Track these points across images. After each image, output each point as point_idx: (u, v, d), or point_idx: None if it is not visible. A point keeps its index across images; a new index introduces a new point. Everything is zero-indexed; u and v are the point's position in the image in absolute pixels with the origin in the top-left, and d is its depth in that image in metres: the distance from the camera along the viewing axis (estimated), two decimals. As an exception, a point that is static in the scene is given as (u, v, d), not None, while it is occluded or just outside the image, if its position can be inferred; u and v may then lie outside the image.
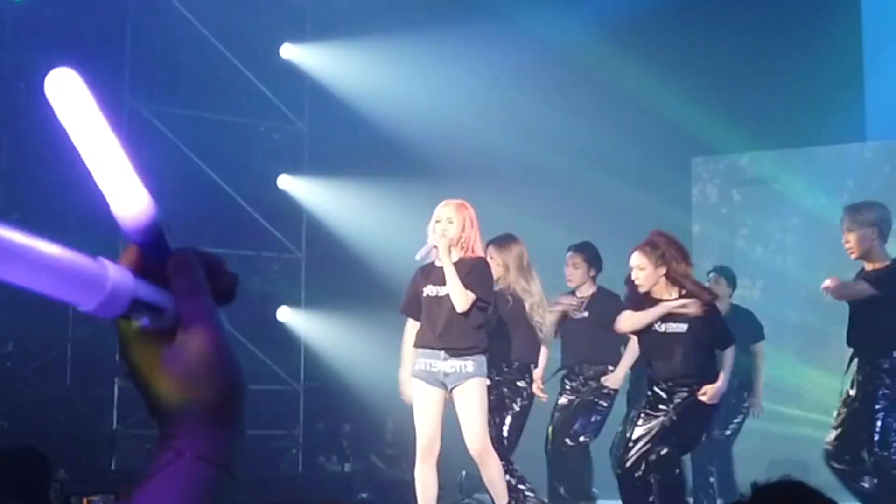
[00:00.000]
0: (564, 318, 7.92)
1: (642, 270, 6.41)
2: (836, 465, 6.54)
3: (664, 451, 6.36)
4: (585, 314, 7.89)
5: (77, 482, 7.81)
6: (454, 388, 6.44)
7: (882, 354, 6.48)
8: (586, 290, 7.98)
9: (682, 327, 6.38)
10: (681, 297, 6.41)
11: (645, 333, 6.54)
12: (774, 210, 11.77)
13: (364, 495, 10.23)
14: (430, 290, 6.55)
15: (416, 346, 6.57)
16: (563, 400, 7.96)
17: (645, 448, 6.40)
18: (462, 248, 6.49)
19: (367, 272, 10.95)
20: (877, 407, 6.43)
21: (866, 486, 6.45)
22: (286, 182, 11.77)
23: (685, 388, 6.41)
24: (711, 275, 8.72)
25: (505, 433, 7.21)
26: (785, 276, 11.55)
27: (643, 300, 6.50)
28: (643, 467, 6.37)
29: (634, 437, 6.46)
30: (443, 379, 6.45)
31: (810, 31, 11.35)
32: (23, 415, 9.60)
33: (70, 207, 9.38)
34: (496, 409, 7.10)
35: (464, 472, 9.15)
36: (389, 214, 10.74)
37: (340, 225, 11.70)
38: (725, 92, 11.28)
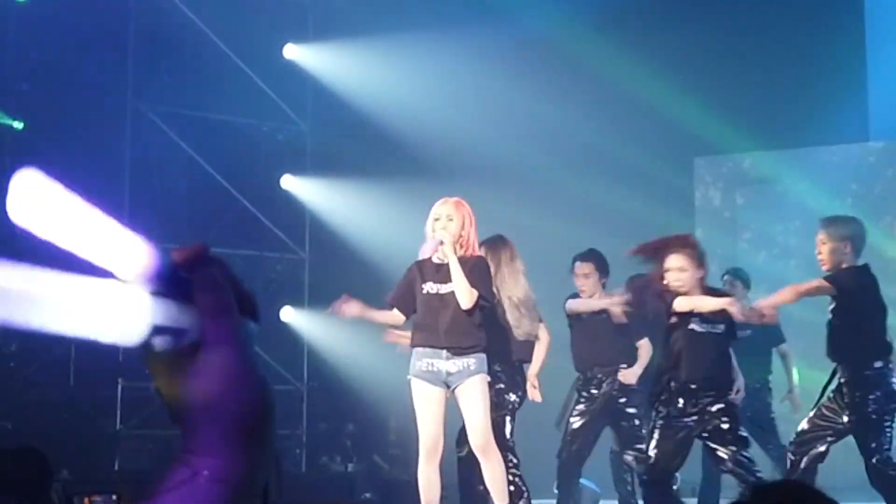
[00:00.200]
0: (578, 319, 7.88)
1: (684, 272, 6.29)
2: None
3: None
4: (604, 317, 7.83)
5: (80, 482, 7.81)
6: (456, 386, 6.41)
7: (864, 366, 6.50)
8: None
9: (720, 328, 6.36)
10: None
11: (678, 331, 6.38)
12: (777, 212, 11.75)
13: (367, 495, 10.23)
14: (430, 287, 6.49)
15: (415, 345, 6.53)
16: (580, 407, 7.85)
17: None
18: (462, 245, 6.44)
19: (370, 272, 10.93)
20: (868, 411, 6.45)
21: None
22: (289, 182, 11.77)
23: (711, 392, 6.34)
24: (726, 277, 8.65)
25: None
26: (788, 280, 11.49)
27: (672, 299, 6.34)
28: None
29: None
30: (445, 378, 6.42)
31: (814, 32, 11.36)
32: (26, 415, 9.59)
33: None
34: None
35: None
36: (392, 214, 10.72)
37: (343, 225, 11.70)
38: (728, 92, 11.27)
